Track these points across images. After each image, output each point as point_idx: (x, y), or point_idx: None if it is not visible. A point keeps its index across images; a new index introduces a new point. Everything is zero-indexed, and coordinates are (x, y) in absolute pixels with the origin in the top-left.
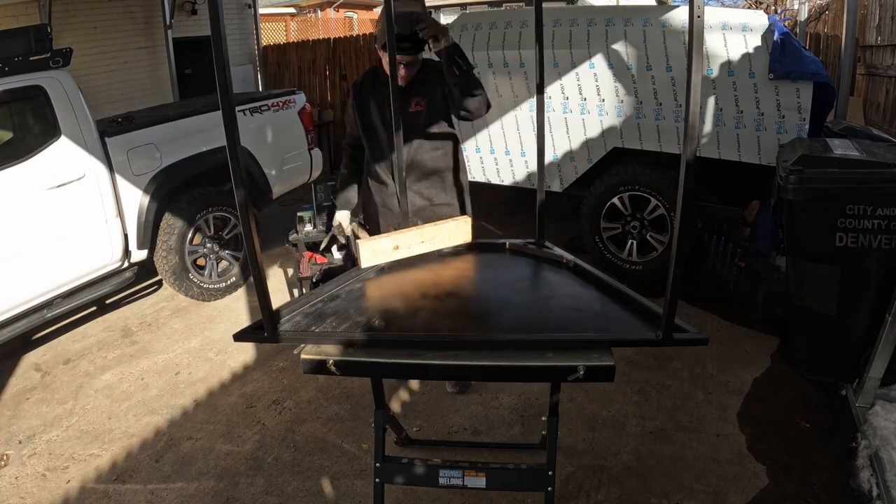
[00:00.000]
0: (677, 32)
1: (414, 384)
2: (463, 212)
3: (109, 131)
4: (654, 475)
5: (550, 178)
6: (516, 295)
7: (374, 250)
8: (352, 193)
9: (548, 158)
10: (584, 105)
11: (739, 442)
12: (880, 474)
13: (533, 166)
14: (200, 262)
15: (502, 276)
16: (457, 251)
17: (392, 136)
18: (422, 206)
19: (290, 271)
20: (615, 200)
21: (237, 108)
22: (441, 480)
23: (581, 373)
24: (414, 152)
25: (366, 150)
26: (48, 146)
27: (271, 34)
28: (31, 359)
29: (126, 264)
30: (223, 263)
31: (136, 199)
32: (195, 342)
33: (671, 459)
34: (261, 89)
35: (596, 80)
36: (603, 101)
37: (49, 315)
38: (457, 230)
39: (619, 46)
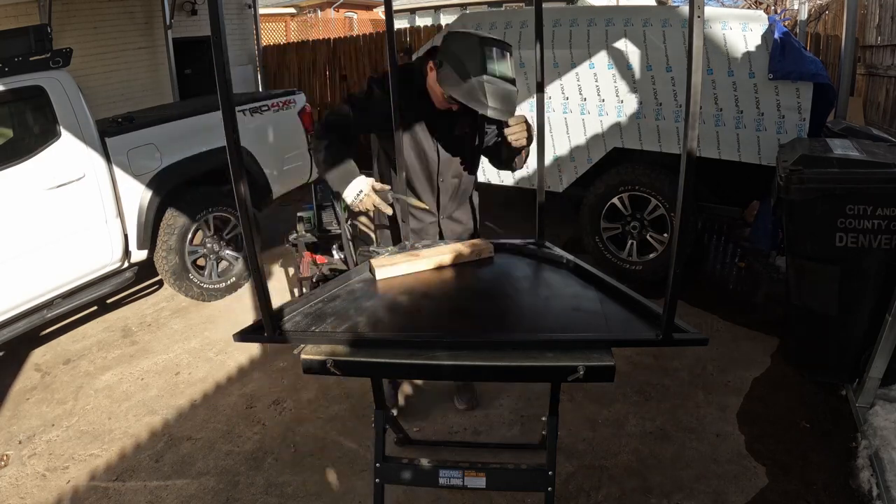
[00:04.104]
0: (677, 32)
1: (415, 384)
2: (476, 231)
3: (109, 131)
4: (654, 475)
5: (550, 178)
6: (516, 295)
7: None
8: (353, 165)
9: (548, 159)
10: (584, 105)
11: (739, 442)
12: (880, 474)
13: (533, 166)
14: (200, 262)
15: (502, 276)
16: None
17: (440, 162)
18: (458, 233)
19: (291, 271)
20: (615, 200)
21: (237, 109)
22: (441, 480)
23: (581, 373)
24: (459, 176)
25: (398, 170)
26: (48, 146)
27: (271, 34)
28: (31, 359)
29: (126, 264)
30: (223, 263)
31: (136, 199)
32: (195, 342)
33: (671, 459)
34: (261, 89)
35: (596, 80)
36: (603, 101)
37: (49, 315)
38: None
39: (619, 46)
